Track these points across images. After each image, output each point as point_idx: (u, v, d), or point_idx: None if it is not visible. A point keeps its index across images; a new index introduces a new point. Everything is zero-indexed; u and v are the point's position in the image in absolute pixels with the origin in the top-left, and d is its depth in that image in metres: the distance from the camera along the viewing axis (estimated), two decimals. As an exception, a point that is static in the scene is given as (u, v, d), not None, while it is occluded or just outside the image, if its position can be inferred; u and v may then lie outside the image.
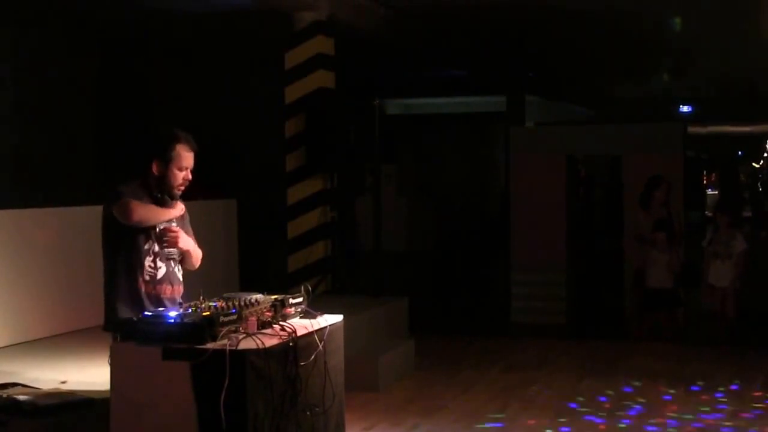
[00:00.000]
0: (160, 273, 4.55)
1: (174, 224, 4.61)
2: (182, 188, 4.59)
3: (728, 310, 9.11)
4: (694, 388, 7.40)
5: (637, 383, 7.55)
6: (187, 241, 4.65)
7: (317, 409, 4.33)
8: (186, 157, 4.54)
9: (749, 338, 9.22)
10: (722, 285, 9.05)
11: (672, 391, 7.29)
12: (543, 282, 10.42)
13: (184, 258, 4.70)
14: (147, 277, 4.51)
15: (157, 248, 4.53)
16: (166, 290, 4.56)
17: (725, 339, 9.11)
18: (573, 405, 6.93)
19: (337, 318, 4.66)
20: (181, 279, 4.68)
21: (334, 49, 9.83)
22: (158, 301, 4.49)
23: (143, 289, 4.49)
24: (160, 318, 4.06)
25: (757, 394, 7.24)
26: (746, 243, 9.14)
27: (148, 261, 4.51)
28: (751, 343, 9.02)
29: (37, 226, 7.89)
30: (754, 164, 34.46)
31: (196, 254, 4.74)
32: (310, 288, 4.69)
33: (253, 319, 4.14)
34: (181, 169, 4.54)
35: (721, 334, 9.19)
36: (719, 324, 9.25)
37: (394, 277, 10.95)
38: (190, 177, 4.59)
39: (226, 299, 4.36)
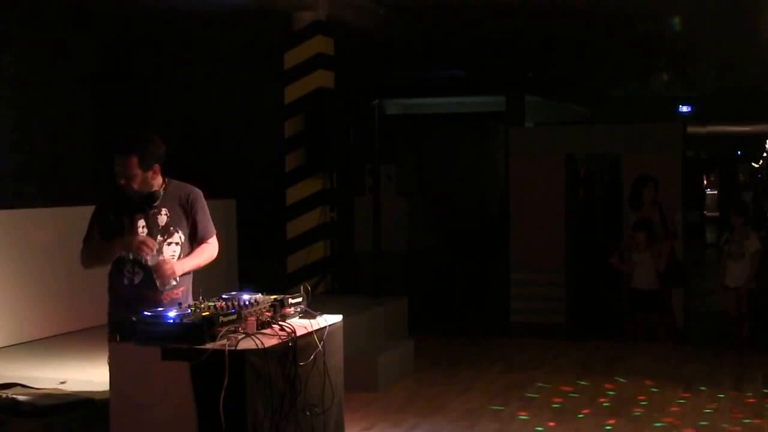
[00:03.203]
0: (138, 279, 4.55)
1: (161, 255, 4.54)
2: (127, 189, 4.51)
3: (743, 310, 9.05)
4: (694, 388, 7.40)
5: (636, 383, 7.55)
6: (184, 264, 4.58)
7: (317, 409, 4.34)
8: (115, 162, 4.52)
9: (752, 339, 9.18)
10: (736, 285, 9.00)
11: (671, 392, 7.29)
12: (543, 282, 10.42)
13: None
14: (126, 282, 4.57)
15: (132, 255, 4.55)
16: (150, 294, 4.52)
17: (740, 340, 9.03)
18: (572, 405, 6.94)
19: (337, 318, 4.66)
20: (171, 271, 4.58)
21: (333, 49, 9.83)
22: (146, 304, 4.43)
23: (126, 294, 4.55)
24: (159, 318, 4.06)
25: (756, 394, 7.24)
26: (761, 243, 9.07)
27: (127, 267, 4.57)
28: (752, 344, 9.01)
29: (37, 226, 7.89)
30: (753, 164, 34.48)
31: (203, 262, 4.68)
32: (309, 288, 4.69)
33: (253, 319, 4.14)
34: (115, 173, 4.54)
35: (735, 336, 9.11)
36: (732, 325, 9.19)
37: (393, 277, 10.95)
38: (121, 180, 4.51)
39: (226, 299, 4.36)
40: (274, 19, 9.96)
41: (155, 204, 4.58)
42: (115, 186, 4.56)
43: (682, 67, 16.09)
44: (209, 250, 4.71)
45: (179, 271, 4.54)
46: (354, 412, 6.30)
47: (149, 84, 13.07)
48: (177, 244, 4.61)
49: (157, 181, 4.60)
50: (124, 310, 4.41)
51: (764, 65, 14.95)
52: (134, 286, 4.55)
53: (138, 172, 4.48)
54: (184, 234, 4.63)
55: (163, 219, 4.59)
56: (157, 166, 4.56)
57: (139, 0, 10.17)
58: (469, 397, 7.19)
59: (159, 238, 4.56)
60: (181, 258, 4.61)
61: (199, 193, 4.74)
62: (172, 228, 4.59)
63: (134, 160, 4.47)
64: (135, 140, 4.55)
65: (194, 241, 4.67)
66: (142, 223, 4.55)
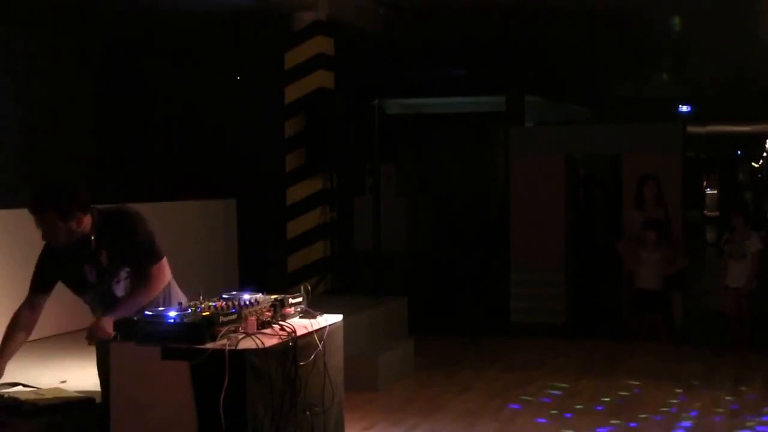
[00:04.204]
0: (99, 314, 4.50)
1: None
2: (55, 245, 4.39)
3: (744, 310, 9.05)
4: (693, 388, 7.41)
5: (636, 383, 7.55)
6: (119, 313, 4.29)
7: (317, 408, 4.34)
8: (35, 222, 4.34)
9: (752, 339, 9.17)
10: (736, 285, 9.00)
11: (671, 392, 7.29)
12: (542, 282, 10.42)
13: None
14: (92, 315, 4.57)
15: (88, 298, 4.54)
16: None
17: (740, 340, 9.03)
18: (572, 405, 6.94)
19: (337, 318, 4.66)
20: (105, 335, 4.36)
21: (334, 49, 9.84)
22: None
23: None
24: (159, 318, 4.06)
25: (755, 394, 7.25)
26: (762, 243, 9.07)
27: (88, 306, 4.60)
28: (752, 344, 9.01)
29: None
30: (753, 164, 34.48)
31: (139, 305, 4.35)
32: (309, 288, 4.69)
33: (253, 318, 4.14)
34: None
35: (734, 336, 9.11)
36: (733, 325, 9.18)
37: (393, 277, 10.95)
38: (45, 238, 4.36)
39: (226, 299, 4.36)
40: (274, 19, 9.96)
41: (92, 248, 4.40)
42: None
43: (683, 67, 16.09)
44: (144, 290, 4.39)
45: (110, 329, 4.28)
46: (354, 412, 6.31)
47: (149, 84, 13.08)
48: (124, 279, 4.45)
49: (86, 223, 4.36)
50: None
51: (764, 65, 14.95)
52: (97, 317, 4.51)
53: (60, 225, 4.27)
54: (129, 265, 4.44)
55: (105, 260, 4.41)
56: (80, 213, 4.30)
57: (139, 0, 10.17)
58: (469, 397, 7.19)
59: (107, 277, 4.43)
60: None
61: (128, 216, 4.45)
62: (116, 267, 4.43)
63: (53, 215, 4.25)
64: (49, 196, 4.28)
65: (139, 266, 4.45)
66: (89, 267, 4.43)
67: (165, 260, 4.48)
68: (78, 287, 4.52)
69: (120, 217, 4.46)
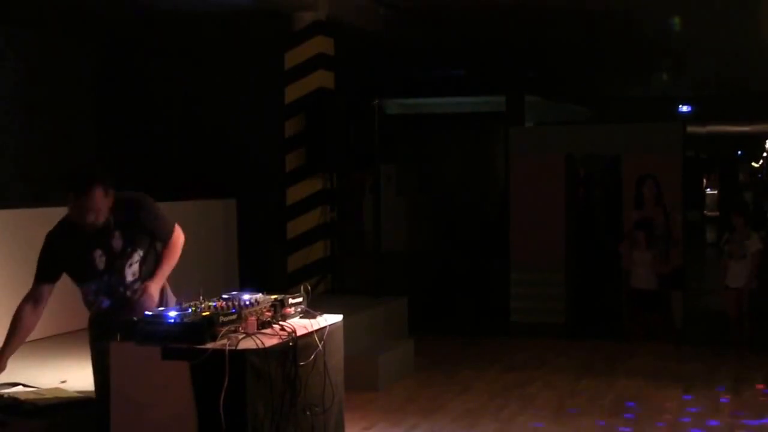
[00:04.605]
0: (105, 304, 4.53)
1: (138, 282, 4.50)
2: (95, 223, 4.40)
3: (744, 310, 9.05)
4: (693, 388, 7.41)
5: (636, 383, 7.56)
6: (157, 282, 4.51)
7: (317, 408, 4.34)
8: (79, 203, 4.37)
9: (752, 339, 9.17)
10: (736, 285, 9.00)
11: (671, 392, 7.29)
12: (542, 282, 10.42)
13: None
14: (94, 309, 4.60)
15: (94, 287, 4.53)
16: (122, 313, 4.40)
17: (740, 340, 9.03)
18: (572, 405, 6.94)
19: (337, 318, 4.66)
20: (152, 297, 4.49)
21: (334, 49, 9.84)
22: (119, 323, 4.32)
23: (98, 319, 4.58)
24: (159, 318, 4.06)
25: (755, 394, 7.25)
26: (762, 243, 9.07)
27: (89, 298, 4.58)
28: (752, 344, 9.01)
29: (37, 225, 7.85)
30: (753, 164, 34.47)
31: (172, 266, 4.62)
32: (309, 288, 4.69)
33: (253, 319, 4.14)
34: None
35: (734, 336, 9.11)
36: (733, 325, 9.18)
37: (394, 277, 10.95)
38: (90, 217, 4.36)
39: (226, 299, 4.37)
40: (274, 19, 9.96)
41: (110, 229, 4.45)
42: (67, 224, 4.46)
43: (683, 67, 16.08)
44: (171, 253, 4.61)
45: (157, 293, 4.49)
46: (354, 412, 6.31)
47: (149, 84, 13.07)
48: (137, 262, 4.53)
49: (111, 203, 4.44)
50: (100, 332, 4.44)
51: (764, 65, 14.95)
52: (103, 311, 4.54)
53: (104, 202, 4.35)
54: (143, 248, 4.54)
55: (118, 243, 4.47)
56: (112, 191, 4.40)
57: (139, 0, 10.16)
58: (469, 397, 7.19)
59: (119, 262, 4.48)
60: (143, 272, 4.53)
61: (141, 198, 4.58)
62: (129, 249, 4.49)
63: (100, 192, 4.32)
64: (91, 173, 4.38)
65: (158, 243, 4.62)
66: (99, 253, 4.46)
67: (177, 224, 4.72)
68: (84, 275, 4.51)
69: (132, 200, 4.57)
